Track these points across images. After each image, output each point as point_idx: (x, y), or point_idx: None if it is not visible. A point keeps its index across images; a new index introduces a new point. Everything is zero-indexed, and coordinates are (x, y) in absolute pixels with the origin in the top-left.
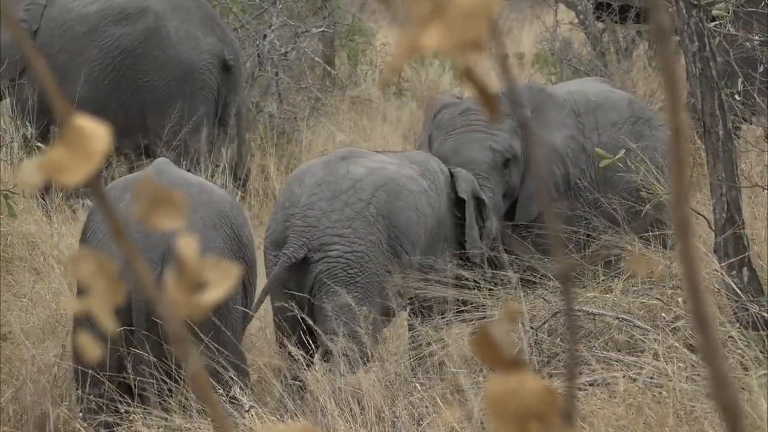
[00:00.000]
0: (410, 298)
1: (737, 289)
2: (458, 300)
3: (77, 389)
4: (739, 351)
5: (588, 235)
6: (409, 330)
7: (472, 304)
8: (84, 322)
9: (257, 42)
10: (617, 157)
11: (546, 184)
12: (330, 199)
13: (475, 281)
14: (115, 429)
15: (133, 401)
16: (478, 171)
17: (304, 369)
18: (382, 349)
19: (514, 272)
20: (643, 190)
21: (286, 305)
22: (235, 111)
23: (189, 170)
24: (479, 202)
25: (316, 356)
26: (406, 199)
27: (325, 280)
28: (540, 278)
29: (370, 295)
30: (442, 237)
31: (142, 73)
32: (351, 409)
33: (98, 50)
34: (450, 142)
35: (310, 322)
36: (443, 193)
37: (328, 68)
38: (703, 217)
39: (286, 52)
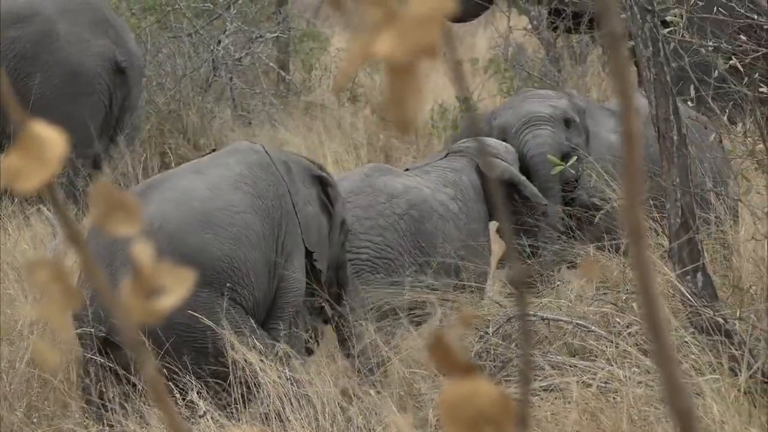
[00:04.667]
0: (373, 306)
1: (692, 294)
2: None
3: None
4: (693, 356)
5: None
6: (360, 335)
7: (426, 309)
8: None
9: (211, 47)
10: (569, 163)
11: (499, 196)
12: (365, 207)
13: (431, 287)
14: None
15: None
16: (539, 119)
17: (259, 372)
18: (337, 354)
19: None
20: (596, 196)
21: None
22: (128, 112)
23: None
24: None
25: (268, 360)
26: (436, 223)
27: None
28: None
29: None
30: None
31: (32, 77)
32: (306, 414)
33: None
34: (509, 109)
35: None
36: (474, 206)
37: (283, 73)
38: (658, 223)
39: (241, 58)
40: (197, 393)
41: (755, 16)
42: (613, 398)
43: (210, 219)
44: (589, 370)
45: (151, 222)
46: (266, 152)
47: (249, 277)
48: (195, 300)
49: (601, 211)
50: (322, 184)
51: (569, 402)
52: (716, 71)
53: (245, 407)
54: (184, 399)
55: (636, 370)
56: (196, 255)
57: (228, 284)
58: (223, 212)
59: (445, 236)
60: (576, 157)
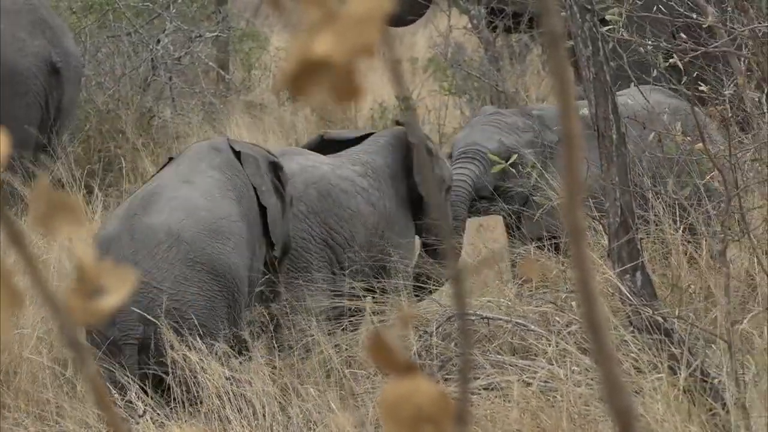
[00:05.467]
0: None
1: (631, 293)
2: (351, 308)
3: None
4: (633, 354)
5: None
6: (300, 335)
7: (363, 310)
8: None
9: (151, 47)
10: (509, 162)
11: (439, 198)
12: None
13: (368, 288)
14: None
15: None
16: (475, 154)
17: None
18: (276, 353)
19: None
20: (537, 195)
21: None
22: (65, 112)
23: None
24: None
25: (212, 359)
26: (338, 197)
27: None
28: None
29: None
30: (395, 231)
31: None
32: (243, 414)
33: None
34: (466, 129)
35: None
36: (389, 187)
37: (222, 73)
38: (600, 222)
39: (180, 57)
40: (135, 394)
41: (694, 15)
42: (553, 397)
43: (218, 228)
44: (529, 369)
45: (168, 232)
46: (233, 150)
47: (243, 284)
48: (212, 303)
49: (541, 210)
50: (275, 169)
51: (509, 401)
52: (655, 70)
53: (185, 407)
54: (123, 398)
55: (576, 368)
56: (213, 263)
57: (234, 293)
58: (225, 221)
59: (353, 211)
60: (516, 155)
